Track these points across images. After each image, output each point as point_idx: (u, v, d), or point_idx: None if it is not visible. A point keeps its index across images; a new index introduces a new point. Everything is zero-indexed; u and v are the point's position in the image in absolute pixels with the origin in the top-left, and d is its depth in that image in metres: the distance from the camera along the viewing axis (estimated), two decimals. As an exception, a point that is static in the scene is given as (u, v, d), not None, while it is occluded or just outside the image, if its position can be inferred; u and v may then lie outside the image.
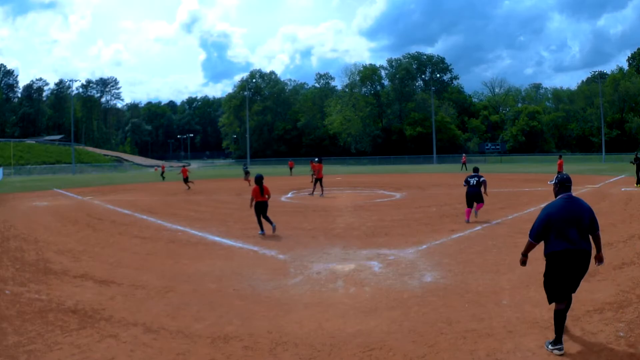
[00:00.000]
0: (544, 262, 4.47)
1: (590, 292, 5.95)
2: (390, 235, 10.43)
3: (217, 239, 10.44)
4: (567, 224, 4.41)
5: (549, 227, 4.45)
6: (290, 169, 40.36)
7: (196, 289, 6.64)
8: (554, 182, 4.76)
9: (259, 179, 10.85)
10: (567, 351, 4.27)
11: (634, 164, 21.21)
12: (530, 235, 4.58)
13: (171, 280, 7.14)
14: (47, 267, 8.01)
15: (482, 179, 12.29)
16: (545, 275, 4.56)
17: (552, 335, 4.46)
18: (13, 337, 4.87)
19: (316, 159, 21.27)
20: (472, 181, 12.30)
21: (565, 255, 4.36)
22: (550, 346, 4.36)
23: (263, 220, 10.87)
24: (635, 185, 20.55)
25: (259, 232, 10.78)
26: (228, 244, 9.91)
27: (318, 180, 20.09)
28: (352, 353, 4.42)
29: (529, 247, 4.66)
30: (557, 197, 4.64)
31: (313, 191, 20.28)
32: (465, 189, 12.41)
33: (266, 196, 10.84)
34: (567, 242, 4.37)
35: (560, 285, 4.43)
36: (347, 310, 5.58)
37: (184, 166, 30.52)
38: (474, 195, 12.14)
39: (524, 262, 4.84)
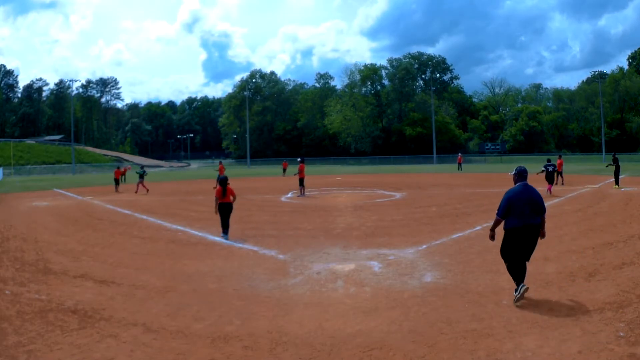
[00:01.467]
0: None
1: (590, 292, 5.95)
2: (390, 235, 10.43)
3: (217, 239, 10.44)
4: (524, 204, 5.73)
5: (510, 207, 5.75)
6: (284, 169, 40.40)
7: (196, 289, 6.64)
8: (513, 173, 6.09)
9: (223, 181, 10.64)
10: (567, 351, 4.27)
11: (612, 165, 21.08)
12: (498, 214, 5.86)
13: (171, 280, 7.14)
14: (47, 267, 8.01)
15: (554, 167, 19.26)
16: (503, 243, 5.86)
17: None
18: (13, 337, 4.87)
19: (299, 159, 21.58)
20: (549, 168, 19.14)
21: (521, 229, 5.70)
22: (516, 293, 5.69)
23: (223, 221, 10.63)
24: (615, 185, 20.41)
25: (221, 234, 10.52)
26: (228, 244, 9.91)
27: (300, 180, 20.30)
28: (352, 353, 4.42)
29: (497, 223, 5.95)
30: (516, 184, 5.96)
31: (304, 191, 20.32)
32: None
33: (231, 197, 10.58)
34: (523, 218, 5.70)
35: (515, 252, 5.74)
36: (347, 310, 5.58)
37: (117, 167, 28.87)
38: (551, 175, 19.21)
39: (492, 237, 6.05)
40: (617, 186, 20.28)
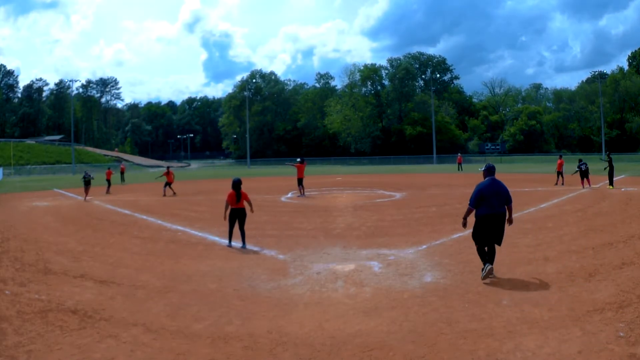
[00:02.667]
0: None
1: (590, 292, 5.95)
2: (390, 235, 10.42)
3: (217, 239, 10.44)
4: (492, 196, 6.70)
5: (481, 198, 6.70)
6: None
7: (196, 289, 6.64)
8: (483, 169, 7.09)
9: (236, 183, 9.45)
10: (567, 351, 4.27)
11: (606, 161, 21.02)
12: (470, 204, 6.81)
13: (171, 280, 7.14)
14: (47, 267, 8.01)
15: (586, 165, 20.80)
16: (474, 229, 6.81)
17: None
18: (13, 337, 4.87)
19: (298, 159, 21.61)
20: (583, 167, 20.68)
21: (490, 217, 6.67)
22: (482, 272, 6.68)
23: (237, 231, 9.54)
24: (609, 186, 20.38)
25: (227, 243, 9.56)
26: (228, 244, 9.89)
27: (299, 180, 20.27)
28: (352, 353, 4.42)
29: (469, 212, 6.89)
30: (485, 179, 6.92)
31: (303, 192, 20.35)
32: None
33: (244, 202, 9.47)
34: (491, 208, 6.69)
35: (485, 235, 6.72)
36: (347, 310, 5.58)
37: (109, 167, 28.12)
38: (585, 172, 20.56)
39: (464, 225, 7.04)
40: (611, 186, 20.22)
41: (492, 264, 6.74)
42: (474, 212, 6.81)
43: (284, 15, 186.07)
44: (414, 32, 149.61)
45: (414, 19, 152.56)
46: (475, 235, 6.86)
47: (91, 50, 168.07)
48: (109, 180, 25.68)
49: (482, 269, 6.69)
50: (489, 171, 7.04)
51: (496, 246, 6.80)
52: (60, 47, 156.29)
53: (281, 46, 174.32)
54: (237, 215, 9.43)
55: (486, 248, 6.78)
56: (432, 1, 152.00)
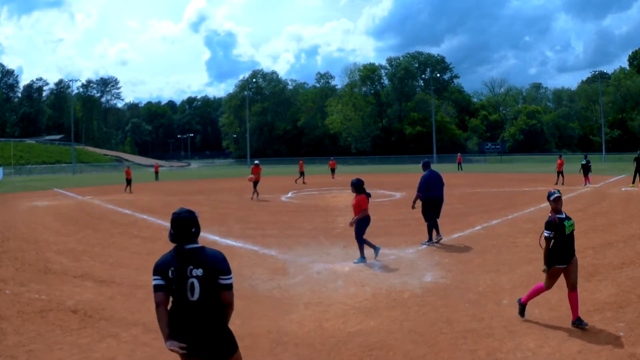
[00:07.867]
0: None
1: (590, 292, 5.95)
2: (390, 235, 10.42)
3: (217, 238, 10.44)
4: (434, 183, 9.23)
5: (428, 186, 9.14)
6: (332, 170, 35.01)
7: (196, 289, 6.63)
8: (422, 164, 9.74)
9: (360, 184, 8.05)
10: (567, 351, 4.27)
11: (635, 163, 21.14)
12: (420, 191, 9.20)
13: (171, 280, 7.13)
14: (47, 267, 8.01)
15: (590, 163, 22.81)
16: (425, 209, 9.21)
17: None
18: (13, 337, 4.88)
19: (256, 161, 22.41)
20: (583, 162, 22.63)
21: (434, 198, 9.20)
22: (426, 243, 9.08)
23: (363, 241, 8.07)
24: (632, 184, 20.52)
25: (359, 260, 7.92)
26: (228, 244, 9.90)
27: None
28: (352, 353, 4.42)
29: (418, 197, 9.22)
30: (426, 171, 9.43)
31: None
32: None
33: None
34: (435, 191, 9.21)
35: (431, 213, 9.17)
36: (347, 310, 5.58)
37: (128, 166, 28.35)
38: (587, 168, 22.39)
39: (413, 207, 9.34)
40: (632, 185, 20.24)
41: (438, 232, 9.15)
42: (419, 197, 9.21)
43: (288, 14, 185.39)
44: (418, 31, 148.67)
45: (418, 19, 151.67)
46: (426, 214, 9.21)
47: (95, 50, 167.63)
48: (129, 180, 25.58)
49: (432, 241, 9.07)
50: (426, 165, 9.64)
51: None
52: (63, 46, 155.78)
53: (284, 45, 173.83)
54: (368, 223, 8.03)
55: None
56: (437, 1, 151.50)
